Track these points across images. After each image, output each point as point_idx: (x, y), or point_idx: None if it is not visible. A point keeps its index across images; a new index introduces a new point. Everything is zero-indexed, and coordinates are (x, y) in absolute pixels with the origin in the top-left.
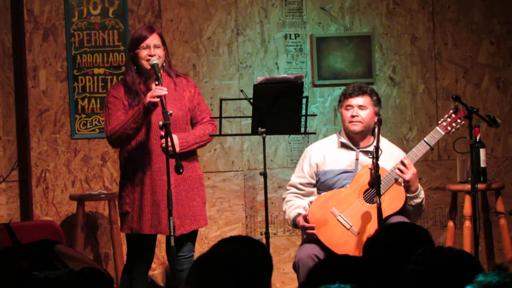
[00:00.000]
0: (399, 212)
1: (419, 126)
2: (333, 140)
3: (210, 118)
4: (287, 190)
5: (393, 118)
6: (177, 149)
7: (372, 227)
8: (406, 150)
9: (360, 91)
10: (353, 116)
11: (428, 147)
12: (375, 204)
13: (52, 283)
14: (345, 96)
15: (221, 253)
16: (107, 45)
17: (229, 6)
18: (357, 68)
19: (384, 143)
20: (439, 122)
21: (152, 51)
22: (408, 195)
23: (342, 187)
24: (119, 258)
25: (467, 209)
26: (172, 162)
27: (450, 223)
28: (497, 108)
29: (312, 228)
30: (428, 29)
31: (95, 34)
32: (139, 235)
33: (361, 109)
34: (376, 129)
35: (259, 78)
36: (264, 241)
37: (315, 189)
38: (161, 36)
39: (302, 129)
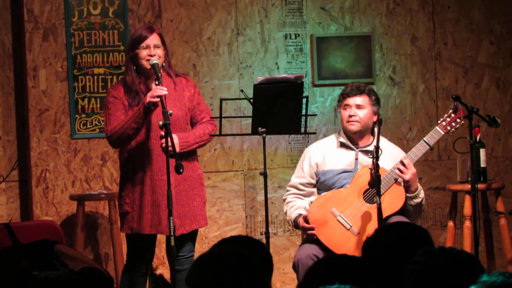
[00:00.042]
0: (399, 212)
1: (419, 126)
2: (332, 140)
3: (210, 118)
4: (287, 191)
5: (393, 118)
6: (177, 149)
7: (372, 227)
8: (406, 150)
9: (358, 91)
10: (350, 116)
11: (428, 147)
12: (375, 204)
13: (52, 283)
14: (343, 95)
15: (221, 253)
16: (107, 45)
17: (229, 6)
18: (357, 68)
19: (384, 142)
20: (439, 122)
21: (152, 51)
22: (408, 195)
23: (341, 186)
24: (119, 258)
25: (467, 209)
26: (172, 162)
27: (450, 223)
28: (497, 108)
29: (312, 229)
30: (428, 29)
31: (95, 34)
32: (139, 235)
33: (358, 109)
34: (376, 129)
35: (259, 78)
36: (264, 241)
37: (315, 189)
38: (161, 36)
39: (302, 129)
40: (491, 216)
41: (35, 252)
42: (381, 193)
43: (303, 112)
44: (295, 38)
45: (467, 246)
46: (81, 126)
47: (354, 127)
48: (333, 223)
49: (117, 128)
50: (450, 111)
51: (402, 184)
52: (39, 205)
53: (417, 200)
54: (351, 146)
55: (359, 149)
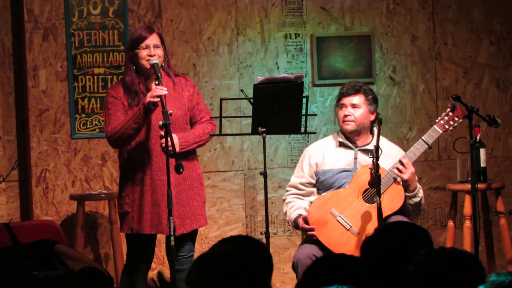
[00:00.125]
0: (399, 212)
1: (419, 126)
2: (331, 139)
3: (210, 118)
4: (287, 191)
5: (393, 118)
6: (177, 149)
7: (372, 227)
8: (406, 150)
9: (354, 90)
10: (345, 116)
11: (426, 146)
12: (375, 204)
13: (52, 283)
14: (340, 95)
15: (221, 253)
16: (107, 45)
17: (229, 6)
18: (357, 68)
19: (383, 142)
20: (437, 120)
21: (151, 51)
22: (407, 194)
23: (341, 186)
24: (119, 258)
25: (467, 209)
26: (172, 161)
27: (450, 223)
28: (497, 108)
29: (312, 230)
30: (428, 29)
31: (95, 34)
32: (139, 235)
33: (354, 108)
34: (376, 129)
35: (259, 78)
36: (264, 241)
37: (315, 189)
38: (160, 36)
39: (302, 129)
40: (491, 216)
41: (35, 252)
42: (381, 193)
43: (303, 112)
44: (295, 38)
45: (467, 246)
46: (81, 126)
47: (349, 126)
48: (333, 223)
49: (117, 128)
50: (448, 109)
51: (401, 183)
52: (39, 205)
53: (416, 199)
54: (350, 145)
55: (358, 148)
